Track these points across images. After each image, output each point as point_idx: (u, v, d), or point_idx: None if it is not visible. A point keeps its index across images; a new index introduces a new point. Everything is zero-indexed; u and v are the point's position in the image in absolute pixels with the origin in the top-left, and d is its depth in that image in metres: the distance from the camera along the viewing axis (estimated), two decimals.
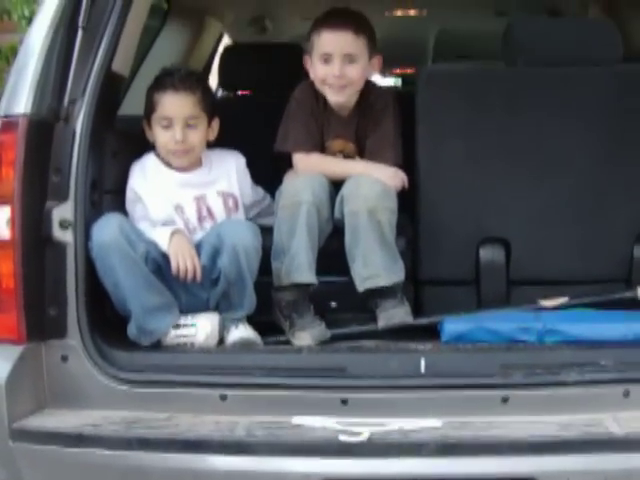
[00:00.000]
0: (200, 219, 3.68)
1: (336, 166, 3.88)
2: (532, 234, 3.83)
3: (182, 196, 3.69)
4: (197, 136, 3.69)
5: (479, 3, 6.38)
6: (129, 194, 3.66)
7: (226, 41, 6.68)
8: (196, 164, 3.75)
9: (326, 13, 3.90)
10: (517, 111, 3.81)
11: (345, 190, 3.71)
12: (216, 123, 3.79)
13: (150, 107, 3.70)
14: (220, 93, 5.54)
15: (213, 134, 3.79)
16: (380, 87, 4.20)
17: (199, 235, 3.64)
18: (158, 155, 3.73)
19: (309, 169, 3.85)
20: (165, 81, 3.70)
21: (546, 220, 3.83)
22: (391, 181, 3.76)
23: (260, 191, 3.93)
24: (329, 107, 3.94)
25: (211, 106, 3.76)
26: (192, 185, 3.71)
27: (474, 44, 6.77)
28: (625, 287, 3.80)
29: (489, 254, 3.82)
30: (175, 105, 3.66)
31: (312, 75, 3.92)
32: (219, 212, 3.72)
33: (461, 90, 3.82)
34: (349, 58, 3.82)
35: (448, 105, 3.81)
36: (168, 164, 3.72)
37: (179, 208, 3.67)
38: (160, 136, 3.68)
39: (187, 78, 3.73)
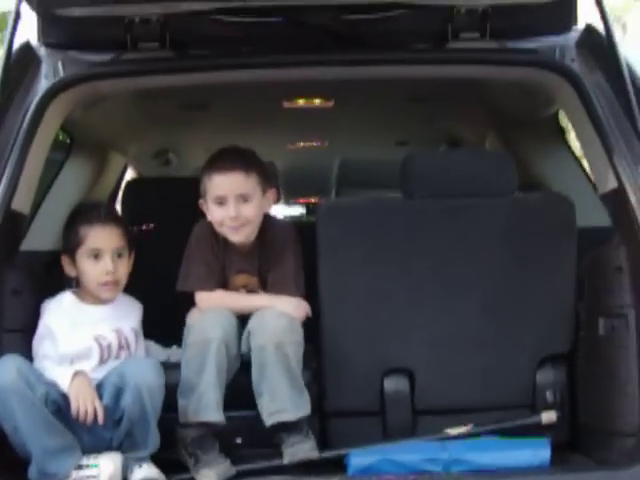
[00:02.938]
0: (120, 348, 3.68)
1: (240, 301, 3.89)
2: (436, 363, 3.84)
3: (103, 328, 3.69)
4: (124, 267, 3.75)
5: (380, 134, 6.51)
6: (41, 330, 3.63)
7: (130, 173, 6.70)
8: (112, 299, 3.78)
9: (214, 156, 3.93)
10: (417, 241, 3.85)
11: (252, 324, 3.72)
12: (132, 258, 3.82)
13: (76, 241, 3.71)
14: None
15: (129, 268, 3.81)
16: (280, 221, 4.24)
17: (115, 363, 3.62)
18: (75, 292, 3.74)
19: (212, 306, 3.84)
20: (91, 215, 3.76)
21: (449, 348, 3.84)
22: (296, 312, 3.78)
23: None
24: (230, 243, 3.94)
25: (130, 240, 3.80)
26: (111, 318, 3.73)
27: (376, 173, 6.87)
28: (530, 412, 3.83)
29: (393, 384, 3.82)
30: (104, 237, 3.71)
31: (209, 217, 3.93)
32: (133, 345, 3.74)
33: (361, 223, 3.86)
34: (243, 198, 3.83)
35: (349, 238, 3.84)
36: (85, 300, 3.73)
37: (101, 337, 3.66)
38: (90, 269, 3.70)
39: (111, 211, 3.89)
